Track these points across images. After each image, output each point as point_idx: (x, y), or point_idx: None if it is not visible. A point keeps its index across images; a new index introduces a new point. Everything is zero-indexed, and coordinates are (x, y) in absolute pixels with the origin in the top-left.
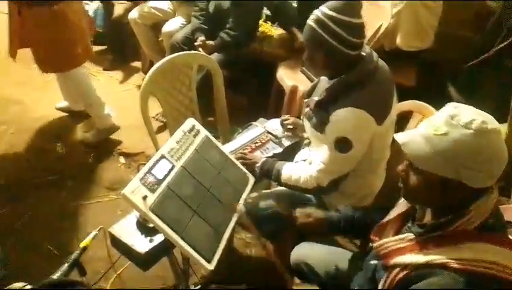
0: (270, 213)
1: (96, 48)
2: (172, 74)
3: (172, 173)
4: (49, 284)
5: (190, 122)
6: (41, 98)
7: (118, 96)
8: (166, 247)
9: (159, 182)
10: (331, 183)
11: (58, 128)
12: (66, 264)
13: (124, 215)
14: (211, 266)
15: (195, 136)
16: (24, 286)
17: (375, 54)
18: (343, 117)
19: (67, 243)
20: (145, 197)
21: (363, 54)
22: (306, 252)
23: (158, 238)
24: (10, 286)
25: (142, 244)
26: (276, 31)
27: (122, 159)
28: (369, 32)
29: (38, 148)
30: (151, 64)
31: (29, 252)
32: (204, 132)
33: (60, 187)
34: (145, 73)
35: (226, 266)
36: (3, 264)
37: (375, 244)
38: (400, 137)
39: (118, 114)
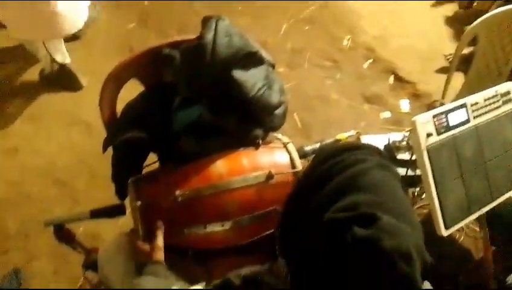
0: None
1: None
2: (507, 25)
3: (464, 127)
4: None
5: (508, 86)
6: None
7: (419, 18)
8: None
9: (448, 128)
10: None
11: None
12: None
13: (366, 128)
14: (445, 233)
15: (504, 103)
16: None
17: None
18: None
19: (310, 121)
20: (429, 135)
21: None
22: None
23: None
24: None
25: None
26: None
27: (391, 79)
28: None
29: None
30: (472, 1)
31: None
32: None
33: (329, 74)
34: (461, 7)
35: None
36: None
37: None
38: None
39: (410, 36)
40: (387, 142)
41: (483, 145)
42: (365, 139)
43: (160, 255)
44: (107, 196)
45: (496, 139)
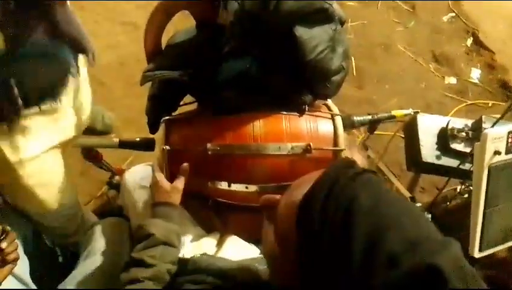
0: None
1: None
2: None
3: None
4: None
5: None
6: None
7: None
8: (442, 171)
9: None
10: None
11: None
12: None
13: (425, 91)
14: (478, 255)
15: None
16: None
17: None
18: None
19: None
20: (496, 153)
21: None
22: None
23: (446, 161)
24: None
25: (429, 152)
26: None
27: (469, 42)
28: None
29: None
30: None
31: None
32: None
33: None
34: None
35: None
36: None
37: None
38: None
39: None
40: (444, 126)
41: None
42: (422, 120)
43: (177, 198)
44: (142, 106)
45: None
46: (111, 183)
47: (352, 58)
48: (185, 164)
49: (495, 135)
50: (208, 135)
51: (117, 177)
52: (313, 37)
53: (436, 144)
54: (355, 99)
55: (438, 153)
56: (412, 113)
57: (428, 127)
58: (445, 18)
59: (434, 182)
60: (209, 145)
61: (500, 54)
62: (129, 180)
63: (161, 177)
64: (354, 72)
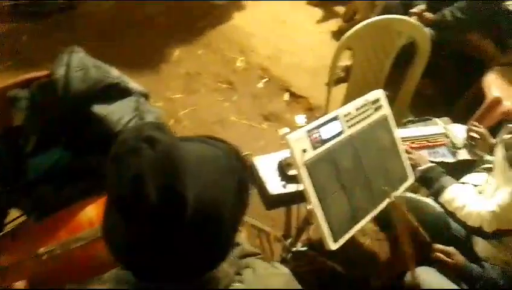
0: None
1: None
2: (377, 34)
3: (339, 139)
4: None
5: (377, 94)
6: None
7: (307, 35)
8: (295, 199)
9: (323, 141)
10: (497, 232)
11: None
12: None
13: (265, 147)
14: (334, 246)
15: (376, 109)
16: None
17: None
18: None
19: None
20: (304, 151)
21: None
22: (429, 279)
23: (291, 187)
24: None
25: (275, 185)
26: None
27: (286, 96)
28: None
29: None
30: (353, 14)
31: None
32: (386, 110)
33: (226, 96)
34: (344, 21)
35: None
36: None
37: None
38: None
39: (300, 53)
40: (280, 160)
41: (360, 153)
42: (259, 161)
43: None
44: None
45: (371, 146)
46: None
47: None
48: (18, 283)
49: (296, 136)
50: (37, 240)
51: None
52: (113, 112)
53: (278, 176)
54: None
55: (282, 183)
56: (245, 155)
57: (266, 164)
58: (260, 84)
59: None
60: (41, 249)
61: (313, 98)
62: None
63: None
64: None
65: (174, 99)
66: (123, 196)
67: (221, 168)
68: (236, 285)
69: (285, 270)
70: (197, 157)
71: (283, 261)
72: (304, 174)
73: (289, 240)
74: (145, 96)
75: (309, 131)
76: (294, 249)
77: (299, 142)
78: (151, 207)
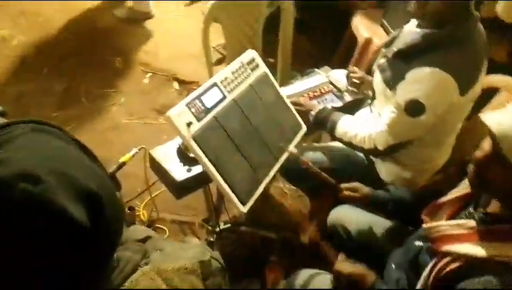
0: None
1: None
2: (242, 2)
3: (222, 104)
4: None
5: (250, 54)
6: None
7: (181, 23)
8: (203, 180)
9: (207, 111)
10: (389, 148)
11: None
12: None
13: (169, 140)
14: (244, 209)
15: (253, 69)
16: None
17: (477, 14)
18: (423, 77)
19: (108, 156)
20: (189, 124)
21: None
22: (345, 215)
23: (196, 169)
24: None
25: (179, 172)
26: None
27: (176, 85)
28: None
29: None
30: None
31: None
32: (263, 68)
33: (113, 101)
34: None
35: (258, 211)
36: None
37: (425, 225)
38: (494, 120)
39: (178, 41)
40: (177, 145)
41: (247, 114)
42: (156, 152)
43: None
44: None
45: (257, 104)
46: None
47: None
48: None
49: (176, 112)
50: None
51: None
52: None
53: (180, 162)
54: None
55: (186, 167)
56: (138, 151)
57: (166, 154)
58: (145, 80)
59: None
60: None
61: (203, 80)
62: None
63: None
64: None
65: (50, 117)
66: None
67: None
68: (144, 268)
69: (195, 242)
70: None
71: (210, 244)
72: (195, 147)
73: (211, 223)
74: (1, 114)
75: (189, 103)
76: (217, 229)
77: (181, 116)
78: None
